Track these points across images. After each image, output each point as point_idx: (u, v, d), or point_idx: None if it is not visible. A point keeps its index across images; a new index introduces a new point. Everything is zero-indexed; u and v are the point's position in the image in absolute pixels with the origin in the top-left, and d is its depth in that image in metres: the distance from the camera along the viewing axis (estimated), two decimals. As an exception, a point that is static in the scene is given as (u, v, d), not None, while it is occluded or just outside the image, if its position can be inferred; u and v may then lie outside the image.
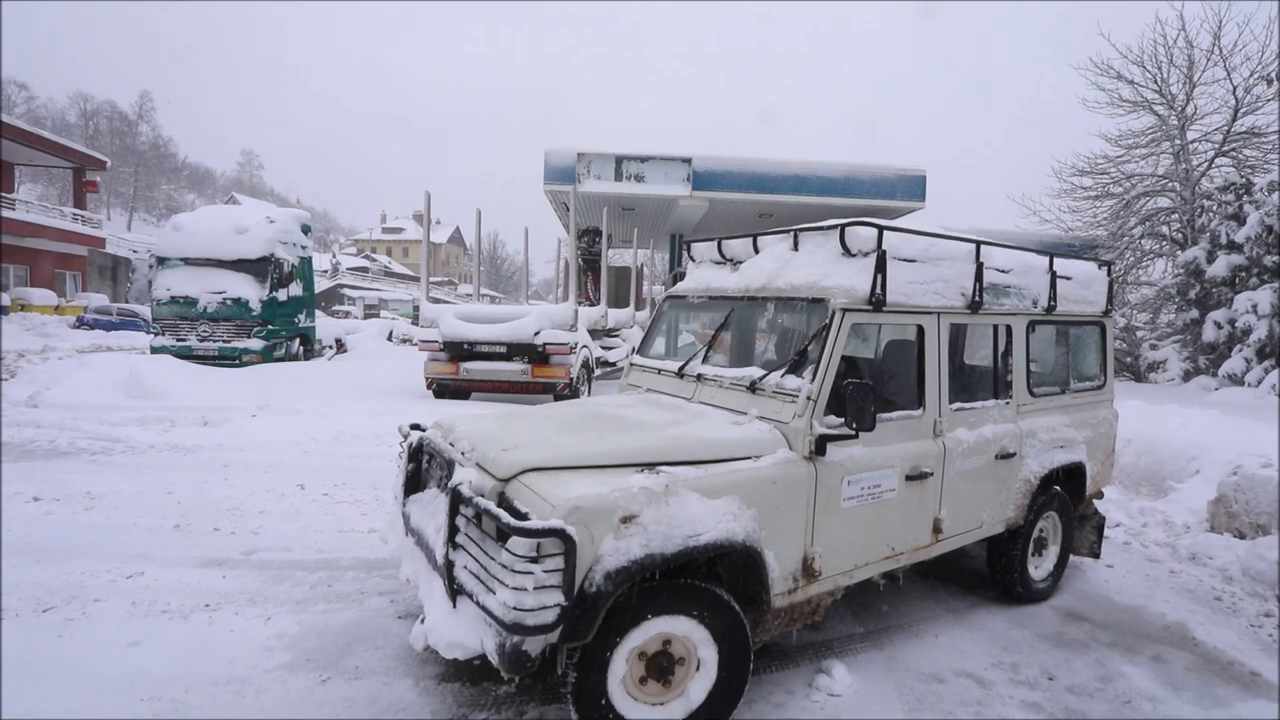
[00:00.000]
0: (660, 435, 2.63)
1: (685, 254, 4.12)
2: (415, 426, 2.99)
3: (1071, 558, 4.35)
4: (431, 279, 10.92)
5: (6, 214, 25.36)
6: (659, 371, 3.62)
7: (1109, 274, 4.35)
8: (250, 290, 12.73)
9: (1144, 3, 15.31)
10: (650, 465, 2.38)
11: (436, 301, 10.80)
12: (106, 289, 34.02)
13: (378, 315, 34.43)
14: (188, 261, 12.86)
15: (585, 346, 10.55)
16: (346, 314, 34.98)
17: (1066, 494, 3.99)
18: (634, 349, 4.12)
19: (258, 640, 3.06)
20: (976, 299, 3.33)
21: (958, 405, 3.32)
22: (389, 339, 18.30)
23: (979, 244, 3.41)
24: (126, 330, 23.29)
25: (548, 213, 20.60)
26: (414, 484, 2.85)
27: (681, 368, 3.43)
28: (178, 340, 12.41)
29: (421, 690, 2.73)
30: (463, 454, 2.50)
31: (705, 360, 3.41)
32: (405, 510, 2.78)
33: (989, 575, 3.90)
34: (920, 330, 3.15)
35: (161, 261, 13.07)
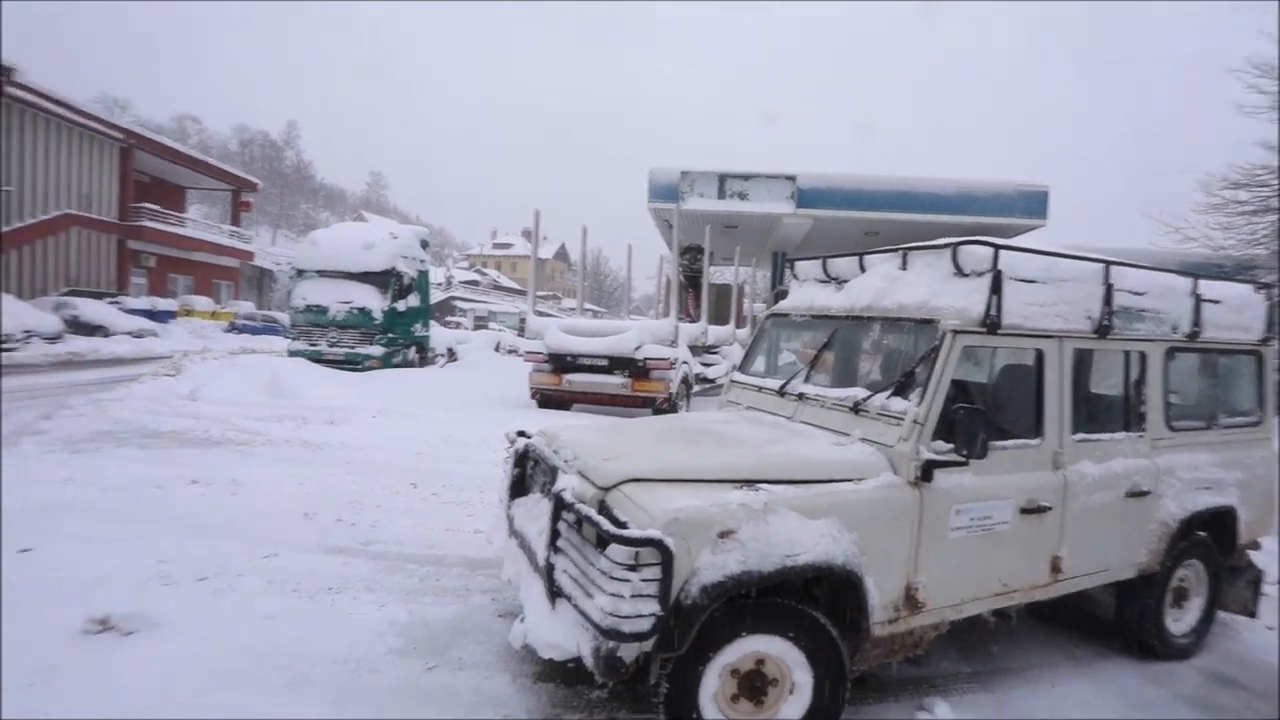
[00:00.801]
0: (760, 452, 2.63)
1: (789, 272, 4.09)
2: (521, 433, 3.13)
3: (1221, 614, 3.90)
4: (537, 293, 11.35)
5: (178, 231, 28.60)
6: (759, 389, 3.60)
7: (1268, 297, 3.92)
8: (374, 300, 13.70)
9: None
10: (749, 482, 2.38)
11: (542, 315, 11.20)
12: (253, 297, 37.55)
13: (486, 327, 36.02)
14: (321, 273, 14.03)
15: (685, 362, 10.61)
16: (458, 325, 36.83)
17: (1213, 541, 3.60)
18: (734, 366, 4.12)
19: (373, 625, 3.28)
20: (1105, 323, 3.10)
21: (1081, 436, 3.09)
22: (496, 349, 19.12)
23: (1108, 264, 3.19)
24: (269, 335, 25.59)
25: (650, 230, 20.93)
26: (518, 488, 2.98)
27: (783, 386, 3.40)
28: (310, 345, 13.52)
29: (518, 687, 2.83)
30: (565, 461, 2.60)
31: (807, 380, 3.36)
32: (510, 513, 2.91)
33: (1117, 624, 3.58)
34: (1040, 355, 2.98)
35: (299, 273, 14.32)
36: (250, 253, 34.56)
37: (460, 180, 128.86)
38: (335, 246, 14.17)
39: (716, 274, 20.44)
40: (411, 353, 14.84)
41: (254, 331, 26.07)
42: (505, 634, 3.22)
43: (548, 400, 10.43)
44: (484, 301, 57.28)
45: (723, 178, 17.44)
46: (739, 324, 15.16)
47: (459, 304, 53.17)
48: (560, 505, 2.31)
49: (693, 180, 17.35)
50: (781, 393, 3.39)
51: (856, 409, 2.86)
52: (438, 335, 17.50)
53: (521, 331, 26.72)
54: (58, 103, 23.21)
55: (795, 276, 4.00)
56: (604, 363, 9.99)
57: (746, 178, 17.49)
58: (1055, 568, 2.98)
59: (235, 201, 35.38)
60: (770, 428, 3.08)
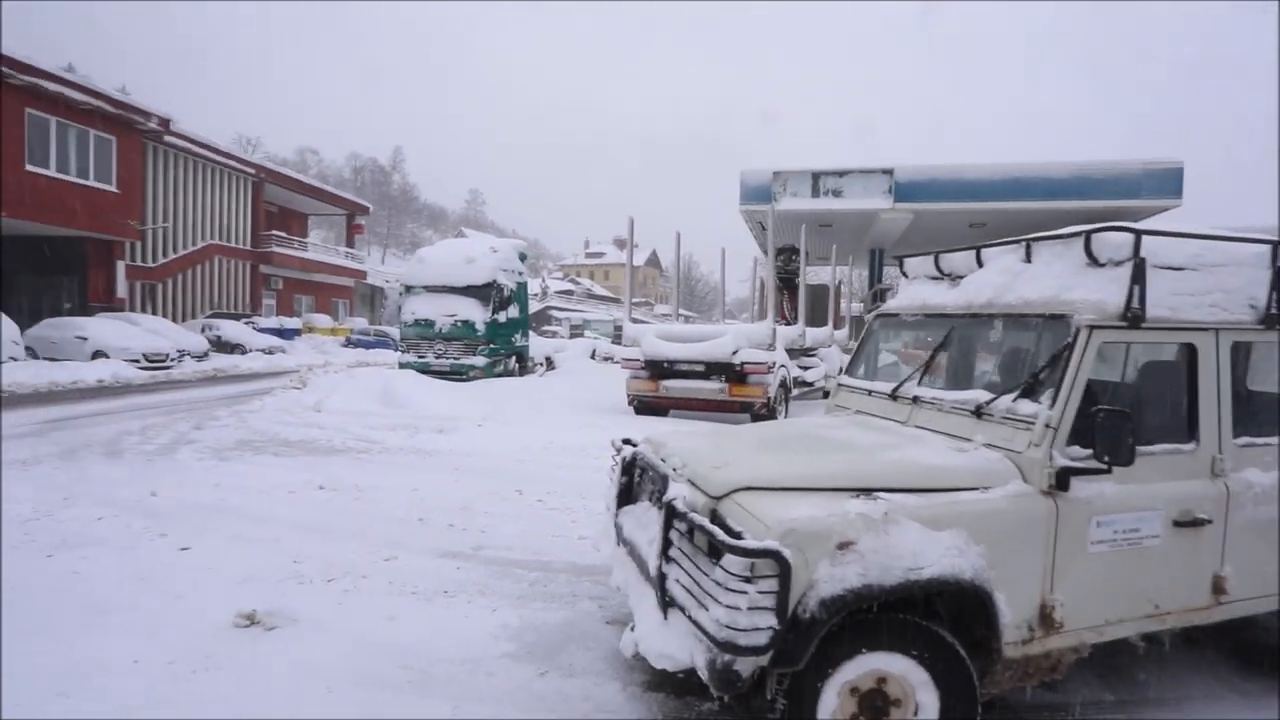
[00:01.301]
0: (875, 459, 2.51)
1: (896, 270, 3.91)
2: (627, 441, 3.15)
3: None
4: (631, 300, 11.45)
5: (301, 255, 31.02)
6: (869, 393, 3.45)
7: None
8: (476, 313, 14.28)
9: None
10: (866, 490, 2.27)
11: (638, 322, 11.29)
12: (366, 313, 40.08)
13: (582, 335, 36.79)
14: (428, 289, 14.77)
15: (783, 366, 10.39)
16: (554, 334, 37.83)
17: None
18: (840, 369, 3.98)
19: (486, 628, 3.38)
20: (1273, 311, 2.76)
21: (1245, 440, 2.76)
22: (592, 357, 19.46)
23: (1276, 245, 2.83)
24: (380, 349, 27.22)
25: (741, 233, 20.69)
26: (626, 496, 2.98)
27: (895, 389, 3.24)
28: (419, 357, 14.26)
29: (629, 695, 2.83)
30: (674, 470, 2.58)
31: (921, 382, 3.19)
32: (618, 521, 2.92)
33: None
34: (1191, 350, 2.68)
35: (408, 289, 15.15)
36: (363, 272, 36.98)
37: (553, 193, 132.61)
38: (440, 263, 14.89)
39: (811, 274, 19.96)
40: (512, 362, 15.35)
41: (367, 346, 27.81)
42: (614, 641, 3.23)
43: (645, 406, 10.49)
44: (578, 310, 58.50)
45: (816, 176, 17.01)
46: (837, 325, 14.71)
47: (554, 313, 54.55)
48: (672, 514, 2.29)
49: (785, 180, 17.03)
50: (894, 396, 3.23)
51: (979, 413, 2.67)
52: (536, 345, 18.01)
53: (616, 339, 27.10)
54: (205, 146, 25.79)
55: (904, 274, 3.81)
56: (701, 368, 9.94)
57: (841, 174, 16.98)
58: (1218, 589, 2.67)
59: (349, 225, 37.99)
60: (884, 433, 2.93)
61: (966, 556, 2.15)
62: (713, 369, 9.89)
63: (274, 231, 29.99)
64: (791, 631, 1.99)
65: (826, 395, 14.07)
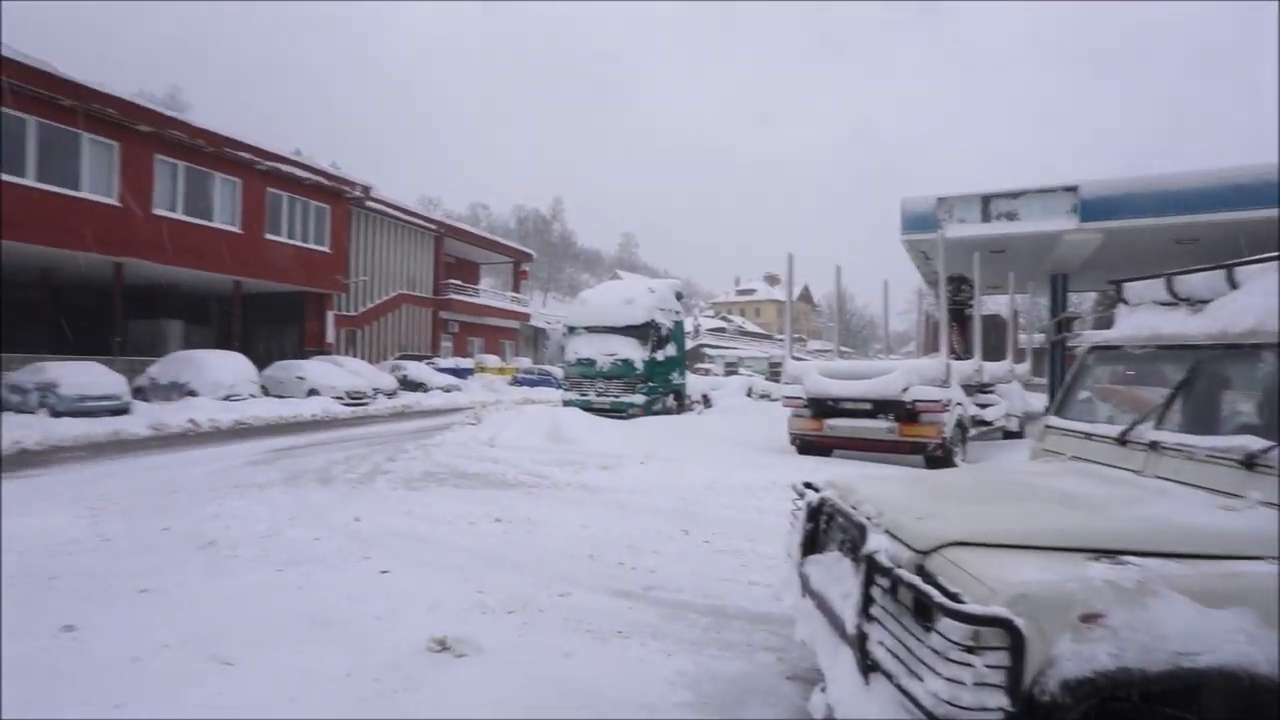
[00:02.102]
0: (1116, 515, 2.14)
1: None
2: (809, 485, 2.97)
3: None
4: (782, 335, 11.13)
5: (474, 300, 33.81)
6: (1088, 436, 3.02)
7: None
8: (635, 352, 14.63)
9: None
10: (1108, 552, 1.94)
11: (797, 359, 10.96)
12: (530, 353, 42.65)
13: (736, 372, 36.57)
14: (589, 329, 15.40)
15: (959, 404, 9.56)
16: (708, 371, 37.90)
17: None
18: (1047, 409, 3.53)
19: (661, 673, 3.30)
20: None
21: None
22: (749, 395, 19.19)
23: None
24: (544, 386, 28.72)
25: (897, 264, 19.60)
26: (811, 544, 2.80)
27: (1124, 433, 2.80)
28: (581, 395, 14.82)
29: (820, 762, 2.61)
30: (869, 519, 2.37)
31: (1159, 424, 2.73)
32: (803, 570, 2.74)
33: None
34: None
35: (570, 330, 15.89)
36: (527, 314, 39.54)
37: (702, 232, 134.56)
38: (600, 304, 15.51)
39: (981, 305, 18.41)
40: (670, 400, 15.50)
41: (532, 384, 29.44)
42: (797, 699, 3.02)
43: (808, 446, 10.08)
44: (732, 347, 58.30)
45: (986, 199, 15.75)
46: (1017, 359, 13.37)
47: (708, 350, 54.77)
48: (873, 568, 2.09)
49: (950, 206, 15.94)
50: (1123, 441, 2.79)
51: (1252, 463, 2.22)
52: (692, 382, 18.10)
53: (772, 375, 26.60)
54: (396, 208, 29.18)
55: (1124, 301, 3.33)
56: (868, 406, 9.40)
57: (1015, 196, 15.58)
58: None
59: (515, 271, 40.92)
60: (1117, 485, 2.52)
61: (1259, 644, 1.74)
62: (881, 407, 9.31)
63: (451, 280, 33.03)
64: (1029, 716, 1.71)
65: (1008, 435, 12.81)
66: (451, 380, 24.57)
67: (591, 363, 14.91)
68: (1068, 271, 18.03)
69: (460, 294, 33.00)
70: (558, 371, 29.10)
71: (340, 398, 18.01)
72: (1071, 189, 15.07)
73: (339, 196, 23.64)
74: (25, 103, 15.18)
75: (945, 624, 1.76)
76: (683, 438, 11.19)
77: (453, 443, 10.91)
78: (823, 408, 9.71)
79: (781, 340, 11.15)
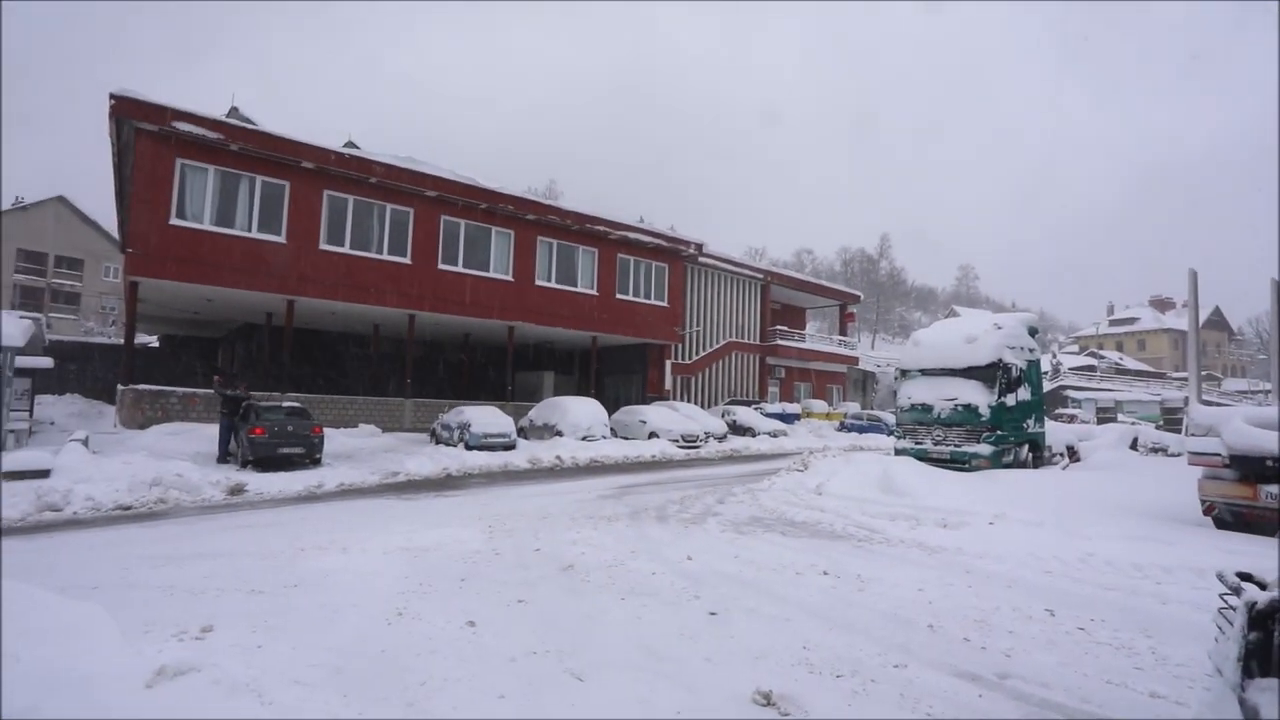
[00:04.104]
0: None
1: None
2: (1245, 577, 2.20)
3: None
4: (1181, 372, 8.71)
5: (800, 345, 33.97)
6: None
7: None
8: (980, 396, 12.98)
9: None
10: None
11: (1209, 404, 8.52)
12: (858, 398, 40.99)
13: (1113, 419, 30.09)
14: (924, 372, 14.16)
15: None
16: (1072, 418, 31.88)
17: None
18: None
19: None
20: None
21: None
22: (1133, 447, 15.55)
23: None
24: (873, 433, 27.25)
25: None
26: (1260, 661, 2.05)
27: None
28: (916, 443, 13.62)
29: None
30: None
31: None
32: (1245, 697, 2.01)
33: None
34: None
35: (903, 373, 14.80)
36: (855, 358, 38.20)
37: (1058, 254, 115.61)
38: (937, 345, 14.20)
39: None
40: (1024, 452, 13.37)
41: (860, 430, 28.16)
42: None
43: (1236, 519, 7.68)
44: (1104, 389, 48.43)
45: None
46: None
47: (1071, 393, 46.44)
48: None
49: None
50: None
51: None
52: (1053, 432, 15.39)
53: (1168, 424, 21.20)
54: (725, 260, 31.13)
55: None
56: (1335, 470, 6.82)
57: None
58: None
59: (842, 314, 40.06)
60: None
61: None
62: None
63: (778, 326, 33.71)
64: None
65: None
66: (778, 425, 24.81)
67: (928, 408, 13.65)
68: None
69: (786, 339, 33.48)
70: (888, 417, 27.44)
71: (676, 440, 19.48)
72: None
73: (676, 255, 26.12)
74: (459, 211, 20.28)
75: None
76: (1042, 496, 9.47)
77: (780, 489, 10.92)
78: (1257, 469, 7.32)
79: (1181, 379, 8.72)
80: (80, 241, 48.35)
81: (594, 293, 23.54)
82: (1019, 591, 5.46)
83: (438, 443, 17.45)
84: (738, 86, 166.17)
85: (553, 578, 5.71)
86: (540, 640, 4.20)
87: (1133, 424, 22.15)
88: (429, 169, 20.10)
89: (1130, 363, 65.75)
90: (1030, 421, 13.70)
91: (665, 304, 25.70)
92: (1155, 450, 15.89)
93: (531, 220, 21.83)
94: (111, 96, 14.77)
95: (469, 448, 16.04)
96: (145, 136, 15.43)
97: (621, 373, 27.82)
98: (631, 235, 24.22)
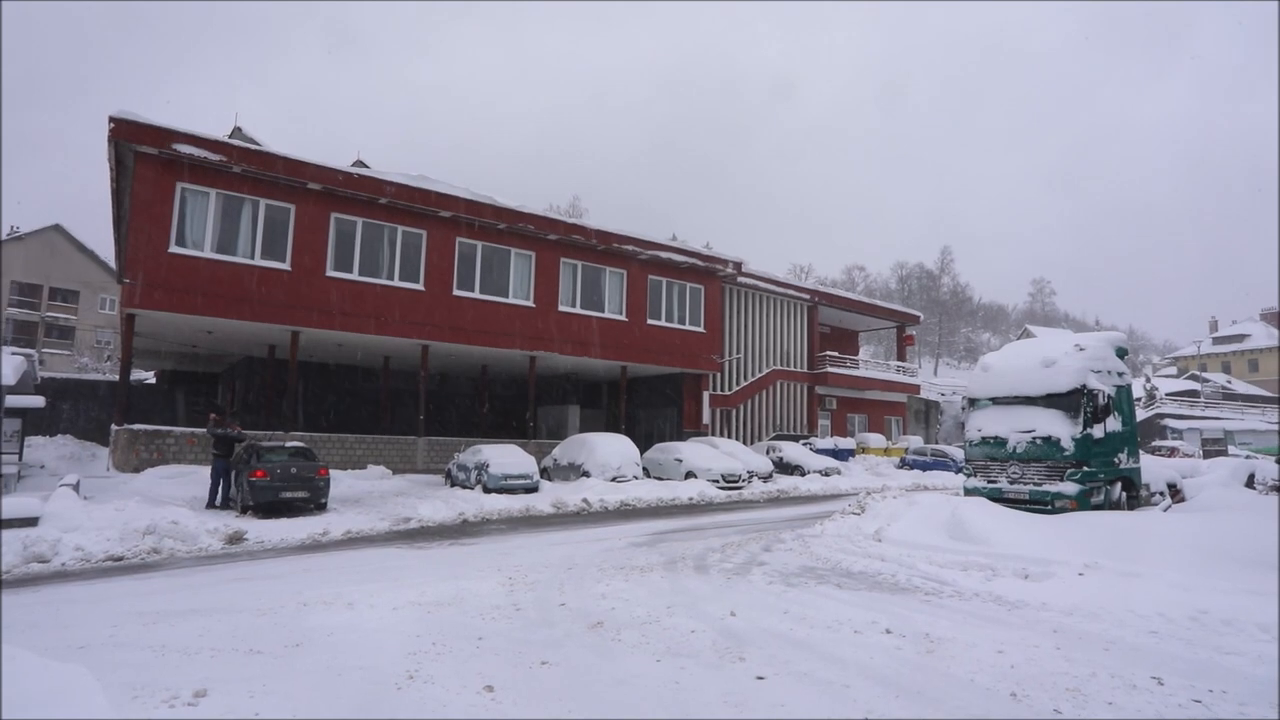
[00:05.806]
0: None
1: None
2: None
3: None
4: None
5: (853, 373, 33.55)
6: None
7: None
8: (1061, 427, 12.59)
9: None
10: None
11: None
12: (920, 431, 40.23)
13: (1223, 451, 28.95)
14: (995, 401, 13.82)
15: None
16: (1172, 451, 30.79)
17: None
18: None
19: None
20: None
21: None
22: (1249, 484, 14.90)
23: None
24: (939, 470, 26.66)
25: None
26: None
27: None
28: (988, 482, 13.24)
29: None
30: None
31: None
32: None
33: None
34: None
35: (971, 403, 14.46)
36: (916, 386, 37.49)
37: (1150, 266, 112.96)
38: (1010, 370, 13.86)
39: None
40: (1117, 490, 12.88)
41: (924, 467, 27.58)
42: None
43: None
44: (1211, 417, 46.80)
45: None
46: None
47: (1169, 422, 44.99)
48: None
49: None
50: None
51: None
52: (1149, 467, 14.84)
53: (1288, 458, 20.32)
54: (767, 280, 31.04)
55: None
56: None
57: None
58: None
59: (899, 337, 39.45)
60: None
61: None
62: None
63: (827, 352, 33.35)
64: None
65: None
66: (830, 463, 24.43)
67: (1002, 442, 13.29)
68: None
69: (837, 366, 33.06)
70: (956, 452, 26.82)
71: (716, 480, 19.28)
72: None
73: (712, 276, 26.15)
74: (475, 232, 20.69)
75: None
76: (1142, 543, 9.09)
77: (833, 534, 10.70)
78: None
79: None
80: (76, 272, 50.54)
81: (623, 318, 23.63)
82: (1118, 655, 5.22)
83: (453, 485, 17.55)
84: (786, 94, 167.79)
85: (580, 636, 5.64)
86: (566, 708, 4.13)
87: (1247, 457, 21.28)
88: (443, 187, 20.51)
89: (1241, 386, 63.44)
90: (1122, 456, 13.23)
91: (702, 329, 25.67)
92: (1277, 488, 15.19)
93: (554, 240, 22.11)
94: (111, 119, 15.47)
95: (487, 490, 16.09)
96: (145, 160, 16.10)
97: (654, 406, 27.77)
98: (663, 254, 24.32)
